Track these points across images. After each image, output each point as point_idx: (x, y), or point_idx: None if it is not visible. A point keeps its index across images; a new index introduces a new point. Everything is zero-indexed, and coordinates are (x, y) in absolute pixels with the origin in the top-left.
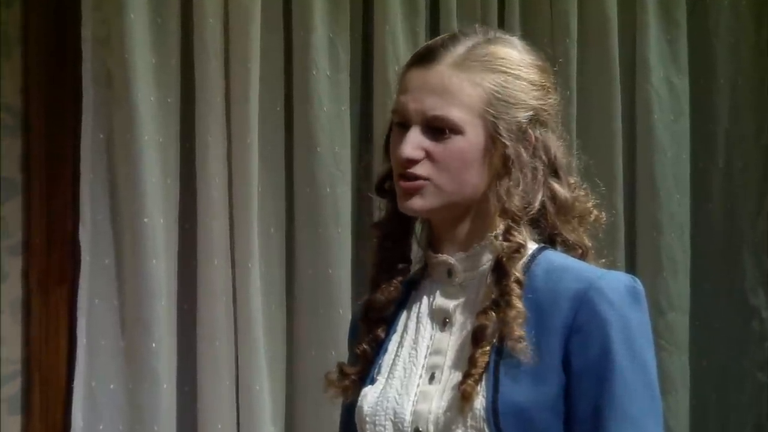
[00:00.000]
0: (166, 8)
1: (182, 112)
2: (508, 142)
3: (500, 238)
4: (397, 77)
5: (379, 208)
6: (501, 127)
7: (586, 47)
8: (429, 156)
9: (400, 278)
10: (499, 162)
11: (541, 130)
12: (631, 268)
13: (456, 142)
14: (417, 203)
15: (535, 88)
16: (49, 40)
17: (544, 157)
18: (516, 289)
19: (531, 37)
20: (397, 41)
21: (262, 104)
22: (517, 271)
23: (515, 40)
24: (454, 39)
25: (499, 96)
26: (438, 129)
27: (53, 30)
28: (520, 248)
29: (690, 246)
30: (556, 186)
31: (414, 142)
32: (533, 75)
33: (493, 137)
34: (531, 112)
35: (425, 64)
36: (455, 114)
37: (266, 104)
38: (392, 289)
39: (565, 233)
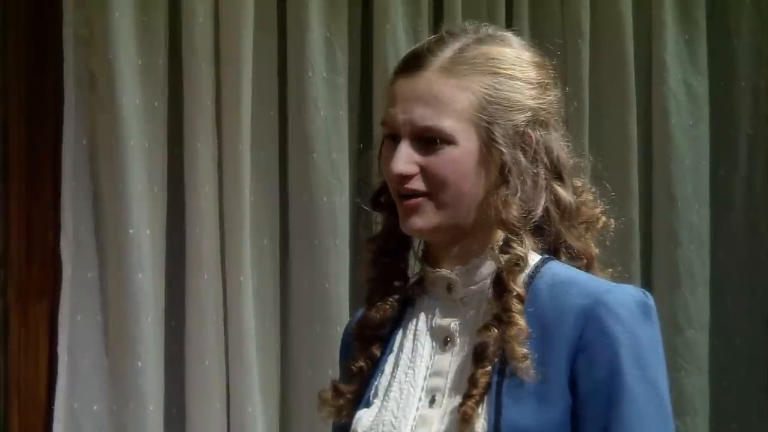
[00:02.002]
0: (153, 6)
1: (170, 117)
2: (504, 149)
3: (498, 250)
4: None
5: (375, 222)
6: (496, 133)
7: (599, 48)
8: (422, 170)
9: (396, 296)
10: (496, 170)
11: (541, 131)
12: (646, 282)
13: (449, 152)
14: (417, 223)
15: (531, 86)
16: (28, 39)
17: (545, 159)
18: (516, 305)
19: (540, 37)
20: (399, 41)
21: (255, 108)
22: (517, 286)
23: (509, 37)
24: (440, 42)
25: (492, 99)
26: (429, 140)
27: (32, 29)
28: (519, 261)
29: (710, 259)
30: (560, 190)
31: (405, 157)
32: (529, 73)
33: (488, 144)
34: (529, 113)
35: (411, 71)
36: (446, 123)
37: (259, 108)
38: (387, 307)
39: (570, 241)
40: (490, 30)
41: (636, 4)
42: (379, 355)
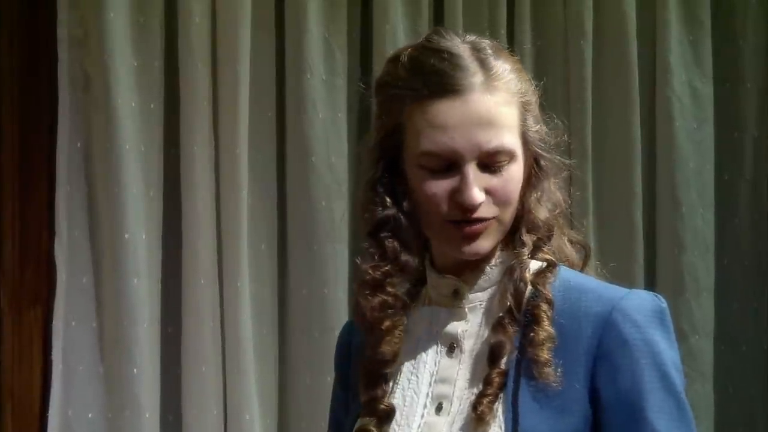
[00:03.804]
0: (149, 6)
1: (166, 119)
2: (545, 153)
3: (526, 254)
4: (396, 105)
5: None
6: (536, 138)
7: (602, 48)
8: (488, 192)
9: (404, 322)
10: (528, 173)
11: (542, 124)
12: (650, 288)
13: (511, 169)
14: (484, 245)
15: (530, 82)
16: (22, 39)
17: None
18: (548, 311)
19: (543, 38)
20: (399, 42)
21: (253, 110)
22: (548, 291)
23: (493, 42)
24: (457, 57)
25: (526, 107)
26: (494, 162)
27: (26, 29)
28: (551, 266)
29: (714, 264)
30: (551, 184)
31: (478, 183)
32: (525, 72)
33: (526, 150)
34: (537, 110)
35: (453, 95)
36: (509, 140)
37: (257, 110)
38: (396, 341)
39: (567, 235)
40: (470, 36)
41: (639, 4)
42: (390, 387)
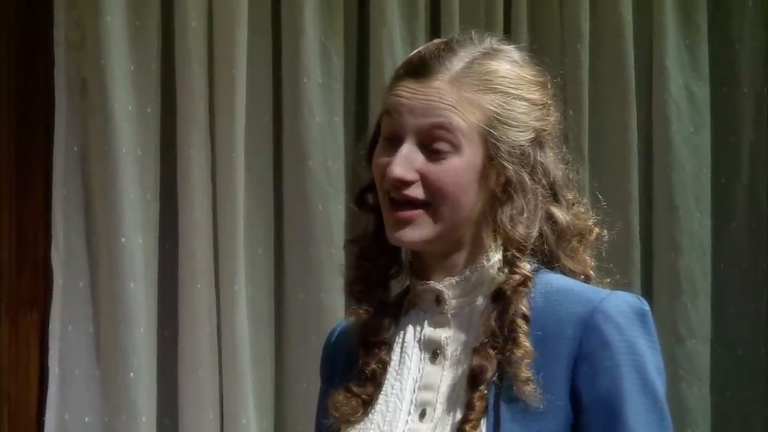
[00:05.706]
0: (146, 10)
1: (162, 123)
2: (509, 166)
3: (505, 270)
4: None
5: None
6: (502, 150)
7: (599, 52)
8: (422, 177)
9: (375, 303)
10: (497, 187)
11: (541, 152)
12: (647, 291)
13: (452, 162)
14: (411, 235)
15: (537, 108)
16: (18, 43)
17: (543, 180)
18: (523, 326)
19: (539, 41)
20: (395, 46)
21: (249, 114)
22: (523, 306)
23: (514, 53)
24: (449, 50)
25: (500, 118)
26: (434, 145)
27: (23, 33)
28: (526, 281)
29: (711, 268)
30: (556, 211)
31: (407, 160)
32: (534, 94)
33: (491, 160)
34: (532, 134)
35: (420, 77)
36: (457, 121)
37: (253, 114)
38: (362, 313)
39: (566, 262)
40: (495, 43)
41: (636, 6)
42: (389, 360)
